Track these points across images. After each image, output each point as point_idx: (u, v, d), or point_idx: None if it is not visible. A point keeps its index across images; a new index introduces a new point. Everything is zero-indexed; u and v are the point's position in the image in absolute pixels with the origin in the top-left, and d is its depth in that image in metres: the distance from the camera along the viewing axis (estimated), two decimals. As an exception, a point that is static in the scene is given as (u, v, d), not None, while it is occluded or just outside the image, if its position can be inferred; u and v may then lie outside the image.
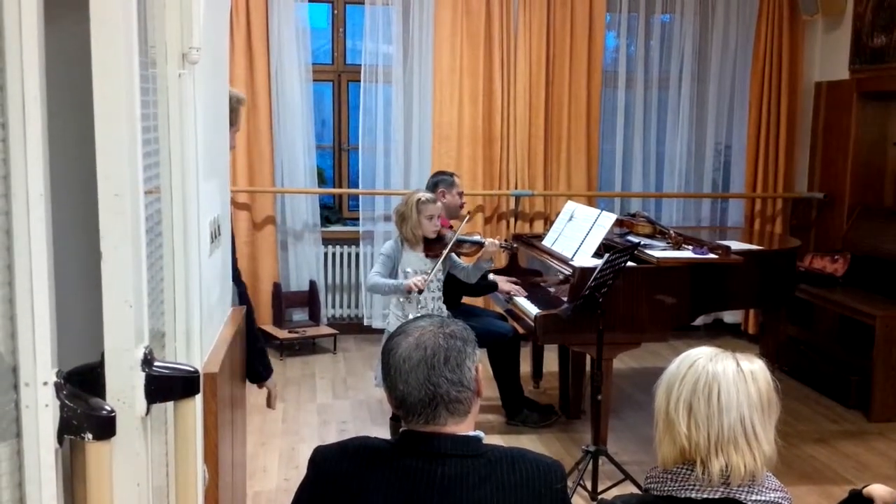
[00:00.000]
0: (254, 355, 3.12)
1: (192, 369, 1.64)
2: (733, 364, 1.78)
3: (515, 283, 4.92)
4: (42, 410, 1.20)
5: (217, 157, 2.61)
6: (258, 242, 6.35)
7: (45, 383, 1.20)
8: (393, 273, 4.34)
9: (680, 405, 1.77)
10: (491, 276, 4.82)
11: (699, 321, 6.26)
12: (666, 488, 1.78)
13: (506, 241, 4.86)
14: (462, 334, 1.74)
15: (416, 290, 4.17)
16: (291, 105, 6.31)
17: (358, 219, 6.65)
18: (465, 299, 5.11)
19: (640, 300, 4.22)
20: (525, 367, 5.21)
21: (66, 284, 1.44)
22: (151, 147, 1.78)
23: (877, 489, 1.96)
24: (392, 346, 1.73)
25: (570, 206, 4.93)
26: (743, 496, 1.74)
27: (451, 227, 4.67)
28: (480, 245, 4.39)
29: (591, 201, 6.41)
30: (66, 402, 1.23)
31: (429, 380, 1.68)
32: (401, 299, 4.31)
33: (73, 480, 1.38)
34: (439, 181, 5.00)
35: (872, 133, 6.23)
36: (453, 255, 4.40)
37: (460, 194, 5.03)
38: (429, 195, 4.38)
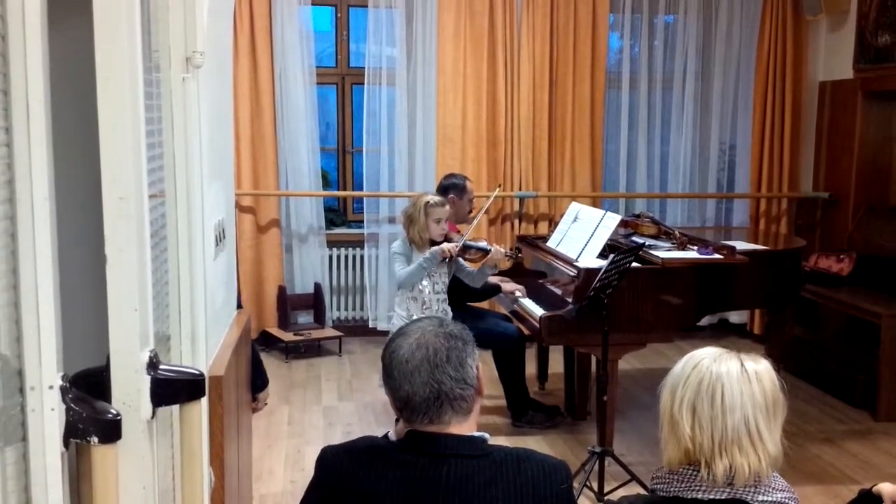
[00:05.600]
0: (251, 366, 3.12)
1: (197, 372, 1.64)
2: (737, 364, 1.77)
3: (516, 284, 4.92)
4: (48, 414, 1.20)
5: (221, 161, 2.61)
6: (263, 245, 6.36)
7: (51, 387, 1.20)
8: None
9: (684, 406, 1.76)
10: (491, 279, 4.80)
11: (705, 321, 6.24)
12: (672, 489, 1.78)
13: (511, 249, 4.84)
14: (461, 334, 1.75)
15: (450, 255, 4.18)
16: (295, 108, 6.31)
17: (363, 221, 6.64)
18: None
19: (645, 301, 4.22)
20: (530, 368, 5.20)
21: (72, 288, 1.45)
22: (156, 151, 1.79)
23: (886, 487, 1.96)
24: (393, 348, 1.73)
25: (575, 207, 4.93)
26: (749, 496, 1.74)
27: (458, 230, 4.66)
28: (486, 252, 4.37)
29: (595, 202, 6.40)
30: (72, 405, 1.23)
31: (432, 378, 1.68)
32: (406, 298, 4.30)
33: (79, 484, 1.38)
34: (450, 186, 4.95)
35: (877, 132, 6.22)
36: (459, 258, 4.39)
37: (471, 201, 5.01)
38: (437, 198, 4.36)
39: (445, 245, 4.20)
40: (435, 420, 1.71)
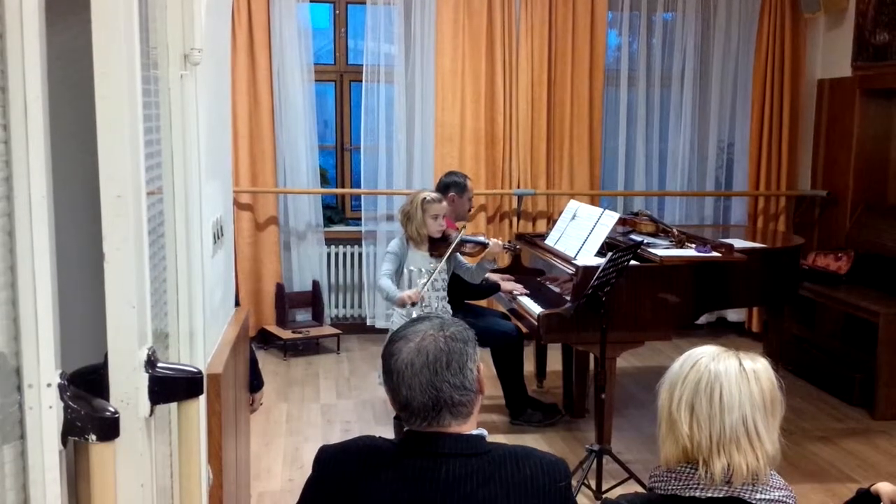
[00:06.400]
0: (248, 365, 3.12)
1: (195, 370, 1.64)
2: (736, 363, 1.77)
3: (516, 283, 4.93)
4: (46, 412, 1.20)
5: (219, 158, 2.61)
6: (261, 243, 6.36)
7: (49, 385, 1.20)
8: (399, 271, 4.33)
9: (682, 405, 1.76)
10: (489, 276, 4.80)
11: (703, 319, 6.25)
12: (670, 487, 1.78)
13: (509, 242, 4.85)
14: (462, 335, 1.74)
15: (410, 302, 4.14)
16: (294, 105, 6.31)
17: (360, 219, 6.65)
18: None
19: (643, 299, 4.22)
20: (529, 366, 5.20)
21: (70, 286, 1.44)
22: (154, 148, 1.78)
23: (884, 487, 1.96)
24: (393, 352, 1.72)
25: (573, 205, 4.93)
26: (747, 495, 1.74)
27: (456, 228, 4.66)
28: (484, 245, 4.38)
29: (593, 200, 6.40)
30: (70, 403, 1.23)
31: (432, 385, 1.67)
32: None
33: (77, 482, 1.38)
34: (451, 184, 4.95)
35: (875, 130, 6.22)
36: (458, 254, 4.39)
37: (470, 199, 5.01)
38: (434, 195, 4.37)
39: (406, 293, 4.15)
40: (434, 424, 1.71)
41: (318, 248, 6.52)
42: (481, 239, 4.44)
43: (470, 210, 4.98)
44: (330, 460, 1.76)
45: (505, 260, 5.61)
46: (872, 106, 6.18)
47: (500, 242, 4.42)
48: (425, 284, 4.18)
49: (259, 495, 3.98)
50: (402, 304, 4.16)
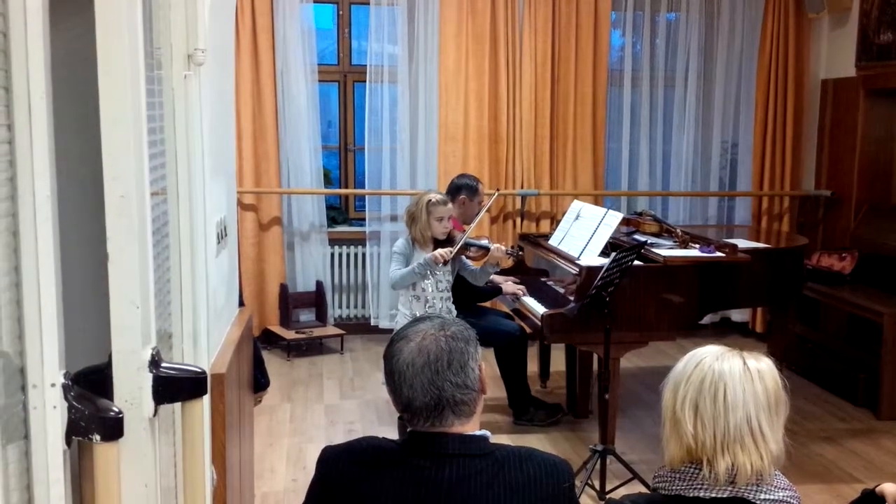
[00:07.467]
0: (253, 364, 3.12)
1: (199, 370, 1.64)
2: (740, 363, 1.77)
3: (518, 284, 4.93)
4: (50, 412, 1.20)
5: (223, 158, 2.61)
6: (265, 243, 6.36)
7: (53, 385, 1.20)
8: None
9: (686, 404, 1.76)
10: (493, 277, 4.80)
11: (706, 320, 6.23)
12: (674, 487, 1.77)
13: (512, 247, 4.84)
14: (463, 334, 1.74)
15: (443, 260, 4.17)
16: (297, 106, 6.31)
17: (364, 219, 6.65)
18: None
19: (647, 299, 4.21)
20: (532, 366, 5.20)
21: (74, 286, 1.44)
22: (158, 148, 1.79)
23: (889, 487, 1.95)
24: (394, 352, 1.72)
25: (577, 206, 4.93)
26: (752, 495, 1.73)
27: (462, 229, 4.66)
28: (487, 250, 4.38)
29: (597, 200, 6.40)
30: (74, 403, 1.23)
31: (433, 384, 1.67)
32: (410, 297, 4.30)
33: (80, 482, 1.38)
34: (463, 186, 4.95)
35: (879, 130, 6.21)
36: (462, 256, 4.39)
37: (480, 203, 5.02)
38: (439, 196, 4.36)
39: (439, 251, 4.19)
40: (437, 424, 1.71)
41: (321, 249, 6.52)
42: (484, 243, 4.44)
43: (479, 214, 4.97)
44: (333, 461, 1.76)
45: (508, 263, 5.61)
46: (876, 106, 6.18)
47: (502, 248, 4.40)
48: (463, 237, 4.24)
49: (263, 495, 3.98)
50: (436, 263, 4.19)
